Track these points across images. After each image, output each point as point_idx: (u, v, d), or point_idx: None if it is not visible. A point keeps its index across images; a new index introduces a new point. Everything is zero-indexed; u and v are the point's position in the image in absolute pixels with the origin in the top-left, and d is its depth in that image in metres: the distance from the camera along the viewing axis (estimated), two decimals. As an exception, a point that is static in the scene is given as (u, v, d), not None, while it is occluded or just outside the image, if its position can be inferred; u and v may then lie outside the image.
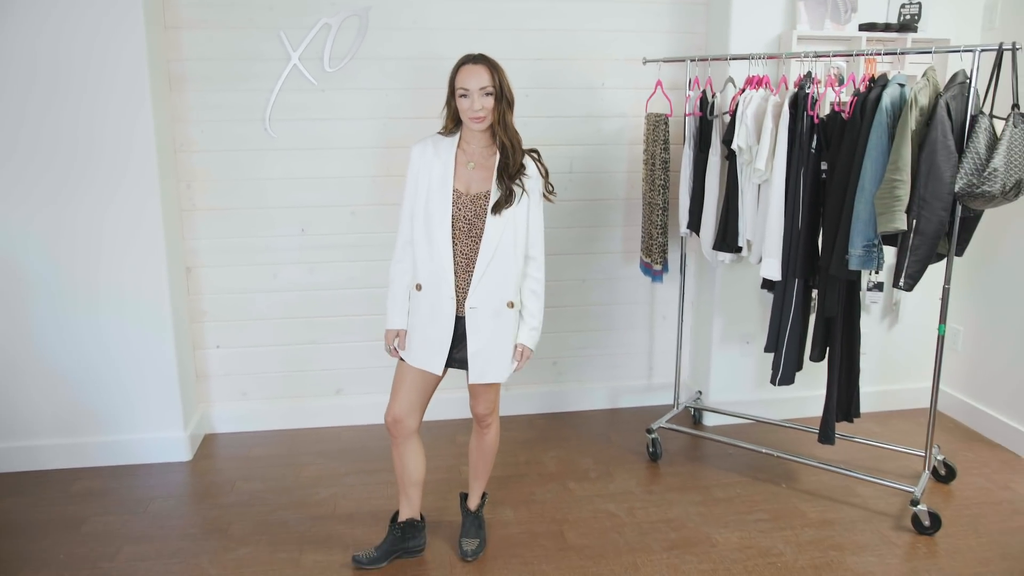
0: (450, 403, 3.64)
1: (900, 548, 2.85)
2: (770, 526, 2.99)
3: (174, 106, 3.49)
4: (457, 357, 2.57)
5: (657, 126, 3.46)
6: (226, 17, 3.44)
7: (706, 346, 3.91)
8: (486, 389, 2.65)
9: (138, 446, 3.48)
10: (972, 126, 2.65)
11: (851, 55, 3.10)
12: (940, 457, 3.31)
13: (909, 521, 2.97)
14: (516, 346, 2.60)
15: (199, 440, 3.70)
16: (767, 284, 3.33)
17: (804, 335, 3.20)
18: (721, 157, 3.36)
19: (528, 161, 2.54)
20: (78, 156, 3.21)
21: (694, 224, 3.52)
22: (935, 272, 2.93)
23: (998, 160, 2.58)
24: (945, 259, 2.85)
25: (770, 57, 3.26)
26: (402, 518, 2.76)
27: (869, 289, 3.80)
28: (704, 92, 3.41)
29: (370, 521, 3.01)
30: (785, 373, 3.20)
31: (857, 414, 3.17)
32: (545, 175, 2.58)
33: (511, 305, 2.54)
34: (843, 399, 3.14)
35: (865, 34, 3.51)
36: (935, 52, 2.81)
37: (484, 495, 2.90)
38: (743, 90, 3.22)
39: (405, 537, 2.75)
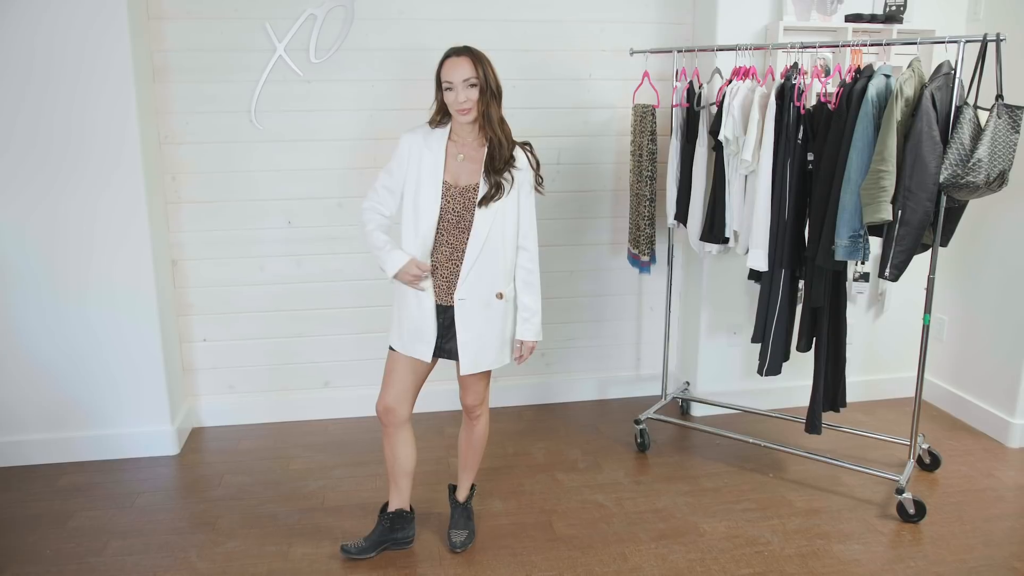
0: (439, 395, 3.64)
1: (885, 536, 2.88)
2: (757, 515, 3.01)
3: (158, 98, 3.46)
4: (446, 348, 2.57)
5: (644, 117, 3.46)
6: (211, 7, 3.41)
7: (694, 337, 3.92)
8: (476, 380, 2.65)
9: (125, 440, 3.47)
10: (957, 117, 2.66)
11: (837, 46, 3.11)
12: (925, 446, 3.34)
13: (894, 509, 3.00)
14: (517, 342, 2.61)
15: (186, 434, 3.69)
16: (754, 275, 3.34)
17: (791, 325, 3.21)
18: (708, 148, 3.37)
19: (519, 152, 2.53)
20: (60, 149, 3.18)
21: (681, 215, 3.53)
22: (920, 262, 2.95)
23: (982, 151, 2.59)
24: (930, 249, 2.87)
25: (757, 48, 3.27)
26: (391, 508, 2.76)
27: (855, 280, 3.83)
28: (691, 83, 3.41)
29: (359, 513, 3.01)
30: (772, 363, 3.21)
31: (843, 404, 3.20)
32: (536, 167, 2.58)
33: (500, 296, 2.54)
34: (829, 389, 3.16)
35: (851, 25, 3.52)
36: (920, 43, 2.83)
37: (473, 486, 2.90)
38: (730, 81, 3.22)
39: (394, 527, 2.75)
